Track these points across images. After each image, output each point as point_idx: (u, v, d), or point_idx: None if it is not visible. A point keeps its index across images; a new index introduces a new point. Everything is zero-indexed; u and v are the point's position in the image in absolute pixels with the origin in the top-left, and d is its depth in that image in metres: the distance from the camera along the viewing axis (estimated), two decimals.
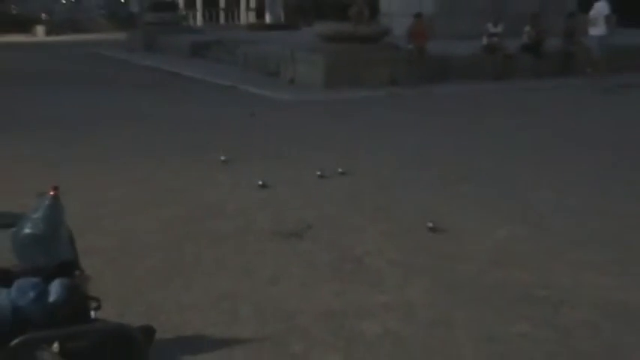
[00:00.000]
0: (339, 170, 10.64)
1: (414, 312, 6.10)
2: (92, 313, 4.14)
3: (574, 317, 5.99)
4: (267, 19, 49.55)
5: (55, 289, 3.97)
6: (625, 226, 8.35)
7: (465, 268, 7.05)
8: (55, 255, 4.38)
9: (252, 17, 52.79)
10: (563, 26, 23.19)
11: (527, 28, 22.63)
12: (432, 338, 5.65)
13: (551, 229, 8.29)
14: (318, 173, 10.48)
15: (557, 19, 23.63)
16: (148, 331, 4.01)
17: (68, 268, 4.27)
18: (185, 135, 13.92)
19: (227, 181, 10.37)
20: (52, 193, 4.56)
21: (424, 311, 6.11)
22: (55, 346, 3.67)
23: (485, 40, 22.35)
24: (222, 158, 11.40)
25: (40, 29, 51.68)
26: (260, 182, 9.96)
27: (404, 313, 6.07)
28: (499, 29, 22.32)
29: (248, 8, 53.78)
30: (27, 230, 4.41)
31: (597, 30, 21.63)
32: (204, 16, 52.34)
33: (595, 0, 22.00)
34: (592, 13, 21.92)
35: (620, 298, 6.37)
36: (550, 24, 23.16)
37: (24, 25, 53.62)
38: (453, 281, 6.75)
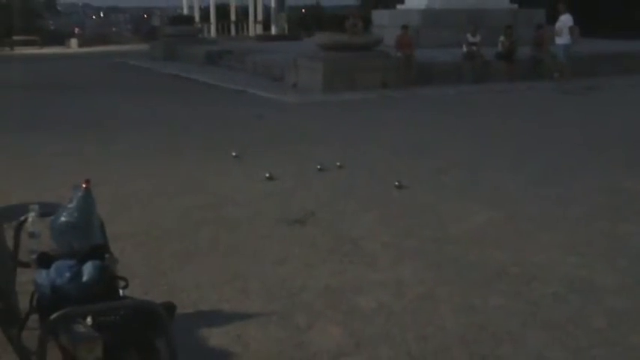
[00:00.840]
0: (338, 164, 10.63)
1: (404, 288, 6.10)
2: (120, 292, 4.16)
3: (544, 291, 6.00)
4: (273, 30, 49.51)
5: (88, 270, 3.99)
6: (591, 212, 8.35)
7: (449, 249, 7.06)
8: (88, 240, 4.40)
9: (259, 29, 52.69)
10: (532, 36, 23.29)
11: (501, 38, 22.64)
12: (419, 311, 5.66)
13: (525, 214, 8.28)
14: (319, 167, 10.47)
15: (527, 30, 23.68)
16: (170, 307, 4.01)
17: (99, 251, 4.29)
18: (201, 133, 13.91)
19: (238, 174, 10.37)
20: (84, 185, 4.57)
21: (413, 287, 6.12)
22: (89, 319, 3.69)
23: (464, 49, 22.38)
24: (234, 154, 11.38)
25: (73, 42, 51.66)
26: (267, 175, 9.95)
27: (395, 290, 6.07)
28: (477, 39, 22.38)
29: (256, 21, 53.68)
30: (63, 219, 4.43)
31: (562, 39, 21.71)
32: (217, 28, 52.22)
33: (560, 13, 22.04)
34: (557, 24, 21.96)
35: (585, 274, 6.38)
36: (521, 34, 23.18)
37: (59, 38, 53.67)
38: (438, 261, 6.75)
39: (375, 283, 6.22)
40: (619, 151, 11.80)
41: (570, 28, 21.67)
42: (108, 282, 4.05)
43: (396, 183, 9.55)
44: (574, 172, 10.38)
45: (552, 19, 23.59)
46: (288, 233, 7.65)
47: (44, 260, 4.14)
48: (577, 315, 5.55)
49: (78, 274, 3.95)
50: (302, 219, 8.09)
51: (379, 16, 29.24)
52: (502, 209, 8.44)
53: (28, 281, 4.39)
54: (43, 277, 3.97)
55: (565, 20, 21.84)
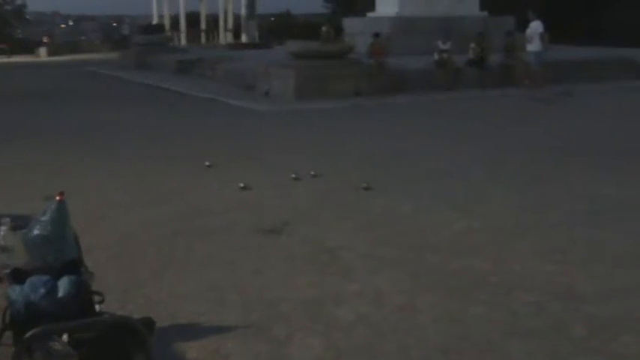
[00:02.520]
0: (312, 173, 10.55)
1: (383, 299, 6.04)
2: (97, 307, 4.06)
3: (524, 300, 5.96)
4: (244, 38, 49.36)
5: (63, 286, 3.89)
6: (569, 219, 8.32)
7: (427, 258, 7.00)
8: (62, 254, 4.31)
9: (229, 37, 52.53)
10: (503, 43, 23.26)
11: (472, 45, 22.67)
12: (400, 322, 5.59)
13: (503, 222, 8.24)
14: (293, 176, 10.39)
15: (497, 37, 23.70)
16: (149, 323, 3.92)
17: (75, 265, 4.19)
18: (174, 143, 13.79)
19: (212, 184, 10.26)
20: (58, 197, 4.47)
21: (392, 298, 6.05)
22: (65, 337, 3.59)
23: (436, 56, 22.34)
24: (207, 163, 11.29)
25: (42, 51, 51.19)
26: (241, 184, 9.87)
27: (374, 300, 6.01)
28: (448, 46, 22.34)
29: (226, 29, 53.53)
30: (36, 232, 4.34)
31: (533, 46, 21.79)
32: (187, 36, 52.05)
33: (530, 20, 22.14)
34: (528, 31, 22.04)
35: (564, 281, 6.35)
36: (492, 41, 23.23)
37: (29, 47, 53.20)
38: (417, 270, 6.69)
39: (354, 293, 6.15)
40: (593, 157, 11.81)
41: (540, 35, 21.77)
42: (84, 297, 3.95)
43: (364, 185, 9.69)
44: (550, 179, 10.37)
45: (522, 25, 23.66)
46: (264, 243, 7.56)
47: (18, 275, 4.03)
48: (558, 323, 5.51)
49: (53, 290, 3.85)
50: (278, 229, 8.00)
51: (350, 23, 29.22)
52: (480, 217, 8.39)
53: (0, 296, 4.29)
54: (16, 292, 3.86)
55: (535, 27, 21.93)
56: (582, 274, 6.57)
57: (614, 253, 7.14)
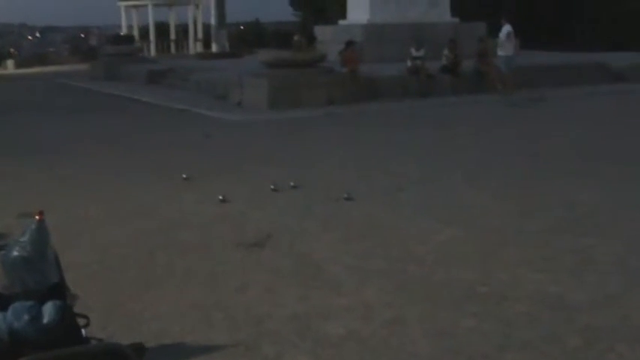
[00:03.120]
0: (291, 184, 10.40)
1: (372, 312, 5.92)
2: (83, 331, 3.90)
3: (516, 311, 5.86)
4: (214, 48, 49.15)
5: (48, 311, 3.71)
6: (552, 226, 8.26)
7: (414, 270, 6.88)
8: (43, 276, 4.13)
9: (199, 47, 52.33)
10: (475, 49, 23.23)
11: (445, 52, 22.64)
12: (390, 336, 5.47)
13: (487, 230, 8.15)
14: (272, 187, 10.24)
15: (469, 43, 23.64)
16: (140, 349, 3.76)
17: (59, 289, 4.02)
18: (148, 155, 13.58)
19: (190, 197, 10.10)
20: (37, 217, 4.30)
21: (381, 311, 5.93)
22: None
23: (409, 63, 22.27)
24: (184, 176, 11.11)
25: (10, 63, 50.75)
26: (220, 197, 9.71)
27: (363, 314, 5.89)
28: (421, 53, 22.27)
29: (196, 39, 53.34)
30: (15, 253, 4.15)
31: (504, 51, 21.86)
32: (157, 47, 51.79)
33: (503, 24, 22.22)
34: (500, 35, 22.13)
35: (555, 291, 6.26)
36: (464, 48, 23.19)
37: None
38: (404, 282, 6.58)
39: (342, 308, 6.02)
40: (570, 163, 11.77)
41: (509, 36, 21.87)
42: (70, 323, 3.78)
43: (345, 195, 9.62)
44: (529, 185, 10.31)
45: (494, 31, 23.72)
46: (247, 257, 7.41)
47: (0, 302, 3.85)
48: (552, 334, 5.41)
49: (37, 316, 3.67)
50: (260, 242, 7.86)
51: (322, 31, 29.16)
52: (463, 226, 8.30)
53: None
54: None
55: (506, 31, 22.01)
56: (572, 282, 6.48)
57: (602, 260, 7.08)
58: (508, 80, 21.73)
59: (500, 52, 22.04)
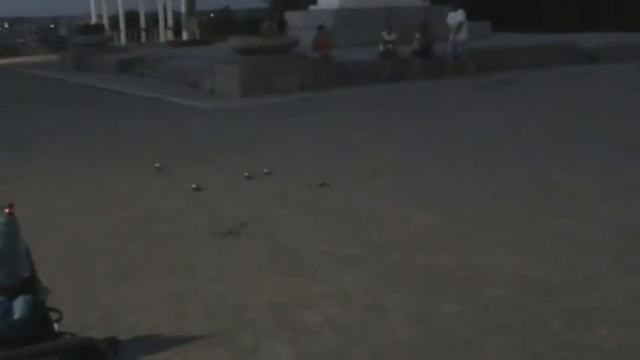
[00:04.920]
0: (265, 171, 10.30)
1: (350, 299, 5.84)
2: (55, 326, 3.80)
3: (495, 295, 5.81)
4: (184, 36, 48.86)
5: (19, 307, 3.62)
6: (529, 208, 8.23)
7: (391, 255, 6.81)
8: (14, 271, 4.02)
9: (170, 35, 52.02)
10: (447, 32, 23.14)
11: (417, 36, 22.59)
12: (369, 323, 5.40)
13: (464, 214, 8.10)
14: (246, 174, 10.13)
15: (440, 27, 23.54)
16: (114, 343, 3.66)
17: (31, 283, 3.91)
18: (120, 145, 13.40)
19: (163, 186, 9.96)
20: (7, 210, 4.18)
21: (359, 298, 5.86)
22: None
23: (381, 47, 22.20)
24: (157, 165, 10.96)
25: None
26: (194, 185, 9.59)
27: (341, 301, 5.81)
28: (393, 37, 22.20)
29: (166, 27, 52.98)
30: None
31: (460, 36, 21.81)
32: (127, 36, 51.40)
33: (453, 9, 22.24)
34: (449, 21, 22.06)
35: (534, 274, 6.21)
36: (435, 31, 23.12)
37: None
38: (382, 268, 6.50)
39: (320, 295, 5.94)
40: (545, 144, 11.76)
41: (461, 23, 21.82)
42: (41, 318, 3.68)
43: (320, 182, 9.57)
44: (504, 167, 10.27)
45: (468, 14, 23.67)
46: (222, 246, 7.31)
47: None
48: (532, 318, 5.37)
49: (8, 312, 3.58)
50: (235, 230, 7.75)
51: (292, 17, 29.02)
52: (440, 211, 8.24)
53: None
54: None
55: (456, 16, 21.95)
56: (551, 264, 6.44)
57: (579, 241, 7.05)
58: (466, 64, 21.74)
59: (458, 37, 21.94)
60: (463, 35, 21.89)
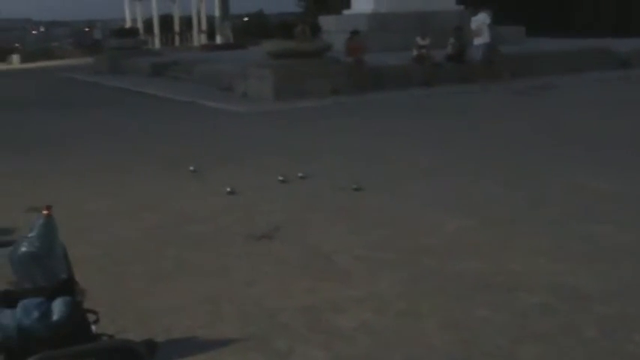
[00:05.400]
0: (299, 174, 10.31)
1: (384, 304, 5.83)
2: (93, 327, 3.82)
3: (530, 301, 5.77)
4: (218, 40, 49.10)
5: (58, 308, 3.63)
6: (563, 214, 8.16)
7: (425, 261, 6.79)
8: (51, 272, 4.06)
9: (203, 39, 52.29)
10: None
11: (451, 40, 22.49)
12: (403, 328, 5.39)
13: (497, 219, 8.05)
14: (280, 178, 10.15)
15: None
16: (152, 345, 3.68)
17: (68, 285, 3.94)
18: (154, 147, 13.49)
19: (198, 190, 10.01)
20: (45, 212, 4.22)
21: (393, 303, 5.84)
22: None
23: (415, 52, 22.15)
24: (191, 168, 11.02)
25: (15, 58, 50.62)
26: (228, 189, 9.63)
27: (375, 306, 5.80)
28: (426, 42, 22.13)
29: (200, 31, 53.25)
30: (23, 249, 4.08)
31: (482, 39, 21.56)
32: (161, 39, 51.74)
33: (477, 13, 21.99)
34: (474, 24, 21.80)
35: (569, 281, 6.16)
36: (469, 36, 22.99)
37: (0, 54, 52.63)
38: (415, 273, 6.48)
39: (354, 299, 5.93)
40: (578, 149, 11.68)
41: (489, 26, 21.58)
42: (80, 319, 3.70)
43: (354, 186, 9.55)
44: (538, 173, 10.20)
45: (499, 19, 23.52)
46: (256, 250, 7.33)
47: (9, 298, 3.77)
48: (567, 325, 5.32)
49: (47, 313, 3.59)
50: (269, 234, 7.77)
51: (326, 21, 29.01)
52: (473, 215, 8.20)
53: None
54: (8, 317, 3.59)
55: (482, 19, 21.74)
56: (586, 271, 6.39)
57: (616, 249, 6.97)
58: (491, 69, 21.57)
59: (477, 42, 21.71)
60: (486, 37, 21.66)
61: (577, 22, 37.72)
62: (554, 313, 5.55)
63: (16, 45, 57.91)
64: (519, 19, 30.26)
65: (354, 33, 22.08)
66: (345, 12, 30.06)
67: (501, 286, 6.09)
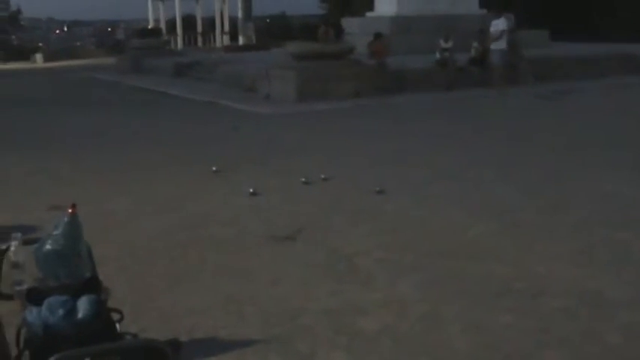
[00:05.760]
0: (322, 176, 10.32)
1: (407, 307, 5.82)
2: (117, 326, 3.84)
3: (553, 306, 5.74)
4: (240, 41, 49.21)
5: (83, 306, 3.66)
6: (587, 220, 8.11)
7: (447, 264, 6.78)
8: (76, 270, 4.09)
9: (226, 40, 52.43)
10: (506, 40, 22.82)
11: (474, 44, 22.40)
12: (426, 332, 5.37)
13: (521, 224, 8.03)
14: (303, 180, 10.16)
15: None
16: (176, 345, 3.69)
17: (93, 283, 3.97)
18: (177, 148, 13.54)
19: (220, 190, 10.03)
20: (70, 210, 4.25)
21: (416, 306, 5.83)
22: None
23: (438, 55, 22.10)
24: (214, 169, 11.05)
25: (38, 57, 50.93)
26: (251, 190, 9.64)
27: (397, 309, 5.79)
28: (450, 44, 22.08)
29: (223, 32, 53.39)
30: (48, 247, 4.13)
31: (499, 44, 21.31)
32: (183, 40, 51.90)
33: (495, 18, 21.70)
34: (492, 29, 21.46)
35: (593, 286, 6.12)
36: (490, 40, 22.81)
37: (24, 53, 53.03)
38: (438, 277, 6.47)
39: (376, 302, 5.93)
40: (603, 155, 11.60)
41: (504, 32, 21.31)
42: (104, 318, 3.72)
43: (377, 189, 9.53)
44: (562, 178, 10.15)
45: (523, 23, 23.38)
46: (279, 251, 7.33)
47: (34, 296, 3.79)
48: (591, 331, 5.30)
49: (72, 311, 3.61)
50: (292, 235, 7.78)
51: (349, 24, 29.03)
52: (496, 220, 8.17)
53: (9, 313, 4.11)
54: (33, 315, 3.61)
55: (500, 24, 21.50)
56: (609, 277, 6.35)
57: (639, 255, 6.94)
58: (502, 74, 21.33)
59: (494, 46, 21.35)
60: (503, 43, 21.45)
61: (602, 26, 37.51)
62: (578, 318, 5.52)
63: (40, 44, 58.30)
64: (543, 23, 30.16)
65: (377, 35, 22.09)
66: (369, 14, 30.09)
67: (524, 291, 6.07)
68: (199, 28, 54.41)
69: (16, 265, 4.23)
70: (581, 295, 5.96)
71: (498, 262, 6.81)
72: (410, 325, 5.50)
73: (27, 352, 3.61)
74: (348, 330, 5.44)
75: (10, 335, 3.84)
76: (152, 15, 53.70)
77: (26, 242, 4.36)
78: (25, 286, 4.02)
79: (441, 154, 12.19)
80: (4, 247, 4.42)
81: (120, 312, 3.95)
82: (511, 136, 13.78)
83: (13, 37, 64.22)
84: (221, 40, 52.43)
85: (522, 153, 12.02)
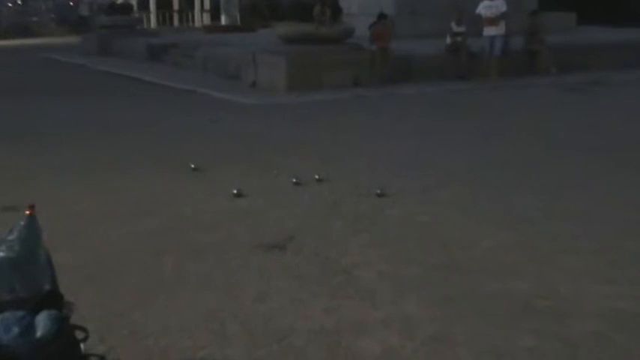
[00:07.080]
0: (316, 177, 10.30)
1: (412, 327, 5.79)
2: (82, 346, 3.81)
3: (582, 329, 5.70)
4: (223, 20, 49.13)
5: (42, 323, 3.63)
6: (617, 231, 8.09)
7: (458, 279, 6.75)
8: (32, 280, 4.04)
9: (206, 19, 52.36)
10: (525, 25, 22.85)
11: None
12: (434, 355, 5.35)
13: (541, 235, 8.00)
14: (294, 180, 10.15)
15: (517, 19, 23.25)
16: None
17: (54, 297, 3.93)
18: (151, 142, 13.54)
19: (200, 191, 10.01)
20: (28, 212, 4.21)
21: (423, 327, 5.80)
22: None
23: (448, 40, 22.03)
24: (192, 166, 11.04)
25: None
26: (235, 191, 9.62)
27: (402, 329, 5.76)
28: (462, 28, 21.98)
29: (203, 10, 53.32)
30: (1, 254, 4.06)
31: (498, 29, 21.35)
32: (157, 18, 51.80)
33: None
34: (491, 11, 21.47)
35: (626, 307, 6.09)
36: (512, 23, 22.84)
37: None
38: (448, 293, 6.45)
39: (378, 321, 5.90)
40: (631, 157, 11.58)
41: (504, 15, 21.38)
42: (67, 336, 3.69)
43: (378, 191, 9.52)
44: (588, 183, 10.14)
45: (550, 4, 23.28)
46: (267, 262, 7.31)
47: None
48: (624, 356, 5.29)
49: (29, 329, 3.59)
50: (281, 244, 7.75)
51: (348, 3, 29.00)
52: (513, 229, 8.15)
53: None
54: None
55: (499, 5, 21.54)
56: None
57: None
58: (496, 64, 21.38)
59: (490, 32, 21.52)
60: (502, 28, 21.44)
61: (635, 9, 37.55)
62: (611, 344, 5.48)
63: None
64: (570, 4, 30.14)
65: (381, 17, 21.94)
66: None
67: (548, 312, 6.04)
68: (176, 5, 54.30)
69: None
70: (614, 316, 5.93)
71: (517, 277, 6.79)
72: (416, 347, 5.47)
73: None
74: (345, 352, 5.41)
75: None
76: None
77: None
78: None
79: (451, 153, 12.20)
80: None
81: (85, 330, 3.92)
82: (531, 133, 13.78)
83: None
84: (201, 19, 52.33)
85: (544, 153, 12.02)
